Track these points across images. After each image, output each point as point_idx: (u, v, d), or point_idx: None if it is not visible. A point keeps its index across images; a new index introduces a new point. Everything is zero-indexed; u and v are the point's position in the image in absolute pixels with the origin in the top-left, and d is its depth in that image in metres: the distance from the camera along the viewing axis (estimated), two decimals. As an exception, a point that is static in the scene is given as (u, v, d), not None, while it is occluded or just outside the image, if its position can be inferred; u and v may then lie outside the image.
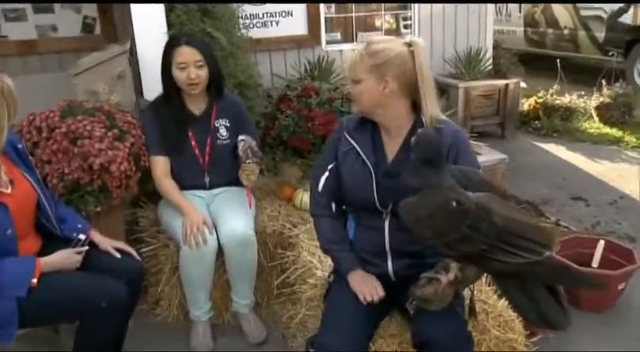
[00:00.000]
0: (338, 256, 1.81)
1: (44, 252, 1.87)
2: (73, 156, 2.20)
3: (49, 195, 1.98)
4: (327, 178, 1.82)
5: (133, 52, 2.82)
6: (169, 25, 2.86)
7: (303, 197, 2.64)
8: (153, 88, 2.83)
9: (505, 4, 8.22)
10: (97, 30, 4.24)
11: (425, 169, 1.47)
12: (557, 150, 4.62)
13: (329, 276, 1.92)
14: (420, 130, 1.57)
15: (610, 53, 5.89)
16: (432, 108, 1.68)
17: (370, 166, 1.72)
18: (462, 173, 1.51)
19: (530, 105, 5.30)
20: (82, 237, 1.95)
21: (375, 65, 1.65)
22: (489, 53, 5.18)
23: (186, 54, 2.28)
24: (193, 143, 2.42)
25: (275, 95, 3.85)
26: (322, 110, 2.58)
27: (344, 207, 1.87)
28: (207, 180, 2.47)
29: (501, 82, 4.87)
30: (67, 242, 1.93)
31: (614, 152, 4.49)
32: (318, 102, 2.61)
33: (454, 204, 1.39)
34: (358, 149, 1.75)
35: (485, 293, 1.94)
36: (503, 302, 1.88)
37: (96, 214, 2.30)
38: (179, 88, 2.35)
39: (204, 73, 2.30)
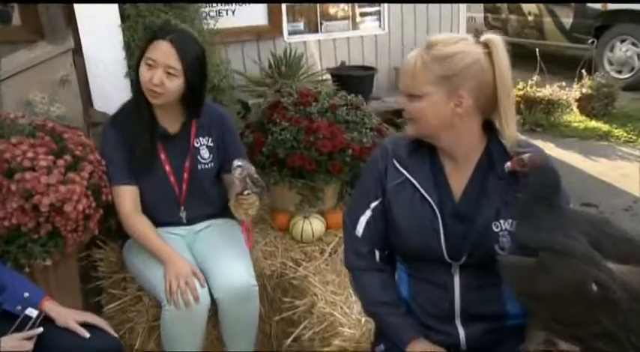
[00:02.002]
0: (392, 322, 1.41)
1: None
2: (10, 195, 1.68)
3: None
4: (370, 220, 1.43)
5: (77, 51, 2.28)
6: (124, 17, 2.34)
7: (304, 226, 2.21)
8: (104, 96, 2.32)
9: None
10: (16, 19, 3.58)
11: (540, 217, 1.09)
12: (547, 147, 4.38)
13: (375, 344, 1.51)
14: (527, 156, 1.20)
15: (590, 41, 5.74)
16: (513, 127, 1.31)
17: (433, 204, 1.33)
18: (589, 222, 1.12)
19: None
20: (31, 312, 1.45)
21: (444, 76, 1.26)
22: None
23: (161, 51, 1.79)
24: (167, 168, 1.94)
25: (241, 98, 3.41)
26: (325, 120, 2.15)
27: (385, 252, 1.47)
28: (183, 214, 1.99)
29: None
30: (10, 319, 1.42)
31: (608, 148, 4.31)
32: (319, 109, 2.17)
33: (594, 287, 1.00)
34: (415, 182, 1.36)
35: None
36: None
37: (43, 268, 1.79)
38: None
39: (173, 84, 1.81)
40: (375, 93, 4.47)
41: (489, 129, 1.36)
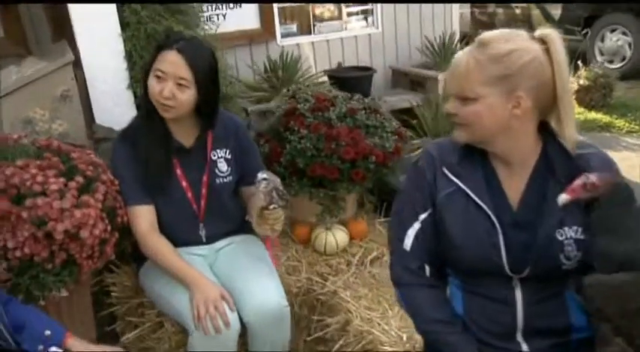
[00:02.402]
0: (449, 340, 1.31)
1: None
2: (20, 222, 1.56)
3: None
4: (419, 233, 1.34)
5: (76, 64, 2.16)
6: (124, 25, 2.22)
7: (327, 238, 2.11)
8: (106, 109, 2.20)
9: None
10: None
11: (619, 226, 1.00)
12: (551, 141, 4.34)
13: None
14: (596, 178, 1.11)
15: (584, 32, 5.71)
16: (572, 127, 1.23)
17: (490, 214, 1.24)
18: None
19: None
20: (54, 351, 1.34)
21: (501, 75, 1.17)
22: (456, 38, 4.85)
23: (169, 62, 1.68)
24: (184, 184, 1.83)
25: (239, 104, 3.30)
26: (345, 125, 2.05)
27: (436, 267, 1.38)
28: (203, 232, 1.88)
29: (481, 71, 4.52)
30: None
31: (611, 139, 4.27)
32: (338, 114, 2.08)
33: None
34: (468, 191, 1.27)
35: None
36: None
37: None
38: None
39: (185, 96, 1.69)
40: (373, 94, 4.38)
41: (545, 130, 1.27)
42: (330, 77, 4.09)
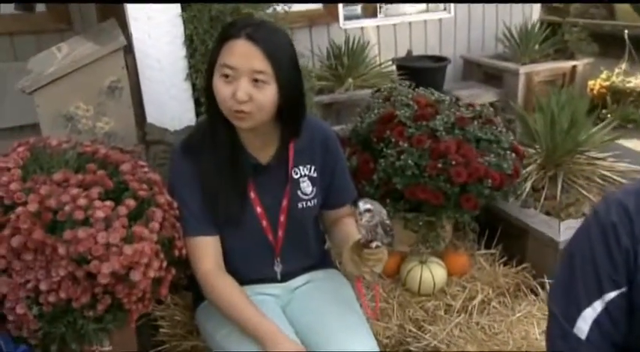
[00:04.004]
0: None
1: None
2: (56, 257, 1.22)
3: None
4: (602, 319, 0.96)
5: (127, 49, 1.81)
6: (184, 6, 1.86)
7: (423, 274, 1.73)
8: (159, 105, 1.85)
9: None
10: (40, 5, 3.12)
11: None
12: (641, 147, 3.85)
13: None
14: None
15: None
16: None
17: None
18: None
19: (593, 89, 4.49)
20: None
21: None
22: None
23: (240, 54, 1.29)
24: (259, 210, 1.47)
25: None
26: (454, 138, 1.65)
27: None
28: (279, 268, 1.53)
29: (568, 64, 4.04)
30: None
31: None
32: (445, 125, 1.68)
33: None
34: None
35: None
36: None
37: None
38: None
39: (265, 95, 1.31)
40: (445, 87, 3.96)
41: None
42: (399, 67, 3.69)
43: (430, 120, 1.67)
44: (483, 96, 3.84)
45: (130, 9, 1.79)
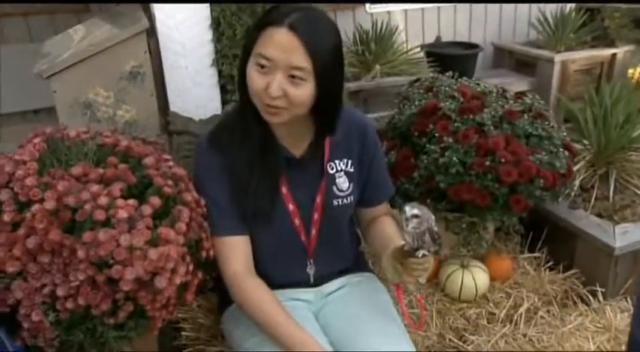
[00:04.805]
0: None
1: None
2: (74, 260, 1.13)
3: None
4: None
5: (150, 32, 1.70)
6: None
7: (465, 279, 1.62)
8: (183, 92, 1.75)
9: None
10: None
11: None
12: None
13: None
14: None
15: None
16: None
17: None
18: None
19: (633, 78, 4.29)
20: None
21: None
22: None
23: (279, 46, 1.17)
24: (291, 207, 1.36)
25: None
26: (501, 134, 1.53)
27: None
28: (312, 270, 1.43)
29: (607, 52, 3.86)
30: None
31: None
32: (493, 119, 1.55)
33: None
34: None
35: None
36: None
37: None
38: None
39: (300, 93, 1.20)
40: (475, 75, 3.81)
41: None
42: (428, 54, 3.54)
43: (477, 114, 1.54)
44: (515, 85, 3.69)
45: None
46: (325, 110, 1.29)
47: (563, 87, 3.78)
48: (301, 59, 1.18)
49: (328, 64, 1.22)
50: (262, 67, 1.20)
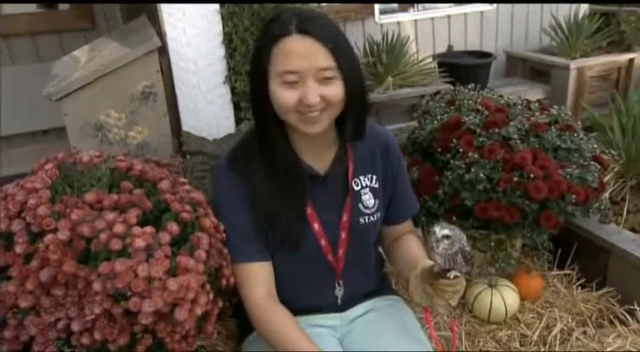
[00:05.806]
0: None
1: None
2: (89, 292, 1.09)
3: None
4: None
5: (162, 51, 1.66)
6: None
7: (494, 299, 1.56)
8: (196, 111, 1.71)
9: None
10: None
11: None
12: None
13: None
14: None
15: None
16: None
17: None
18: None
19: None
20: None
21: None
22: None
23: (299, 54, 1.13)
24: (316, 227, 1.31)
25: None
26: (528, 148, 1.48)
27: None
28: (339, 293, 1.38)
29: (624, 57, 3.81)
30: None
31: None
32: (520, 132, 1.50)
33: None
34: None
35: None
36: None
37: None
38: (280, 121, 1.23)
39: (335, 92, 1.16)
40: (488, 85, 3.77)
41: None
42: (440, 64, 3.51)
43: (502, 128, 1.49)
44: (529, 93, 3.64)
45: (164, 7, 1.65)
46: (354, 110, 1.23)
47: (580, 94, 3.73)
48: (325, 58, 1.13)
49: (347, 56, 1.18)
50: (291, 84, 1.15)
